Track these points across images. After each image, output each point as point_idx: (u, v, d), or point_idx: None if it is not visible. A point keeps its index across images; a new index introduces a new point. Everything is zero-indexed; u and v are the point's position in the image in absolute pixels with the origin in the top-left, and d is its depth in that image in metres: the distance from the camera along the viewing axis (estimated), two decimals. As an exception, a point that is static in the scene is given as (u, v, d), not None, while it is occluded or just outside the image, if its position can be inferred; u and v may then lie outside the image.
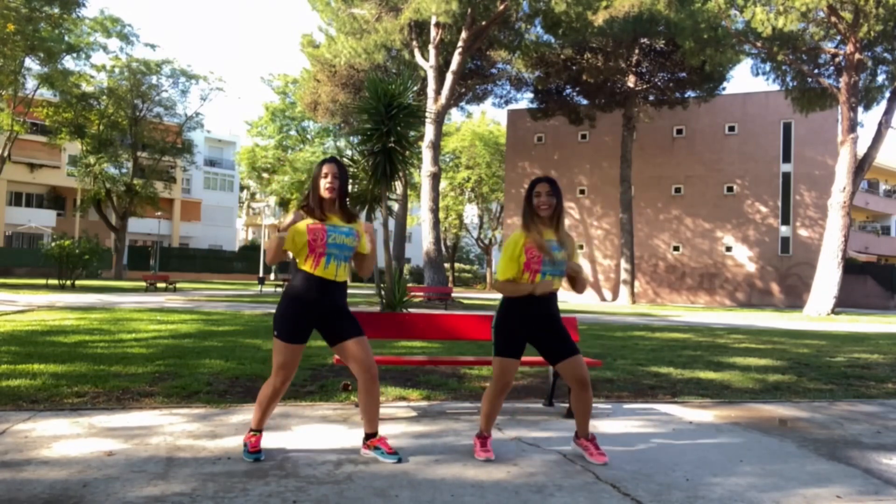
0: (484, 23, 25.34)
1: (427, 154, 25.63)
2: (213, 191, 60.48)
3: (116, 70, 39.87)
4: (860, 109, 24.08)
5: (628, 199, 29.76)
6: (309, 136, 53.92)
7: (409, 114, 14.75)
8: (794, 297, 31.23)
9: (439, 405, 4.91)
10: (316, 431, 3.94)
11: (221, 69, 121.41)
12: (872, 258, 41.57)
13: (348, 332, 3.37)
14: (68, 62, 34.42)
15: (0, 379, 5.21)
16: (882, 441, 4.14)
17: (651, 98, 31.22)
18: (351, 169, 16.47)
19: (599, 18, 23.58)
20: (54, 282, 26.11)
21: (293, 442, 3.67)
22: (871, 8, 20.42)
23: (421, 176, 28.66)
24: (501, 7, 24.60)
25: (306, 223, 3.31)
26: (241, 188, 65.87)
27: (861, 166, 23.62)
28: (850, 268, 30.50)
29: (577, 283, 3.57)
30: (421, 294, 23.07)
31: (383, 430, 3.65)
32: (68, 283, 25.56)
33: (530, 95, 34.48)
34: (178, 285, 29.25)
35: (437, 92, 25.98)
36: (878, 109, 37.41)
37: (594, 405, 4.40)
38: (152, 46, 45.99)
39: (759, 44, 23.36)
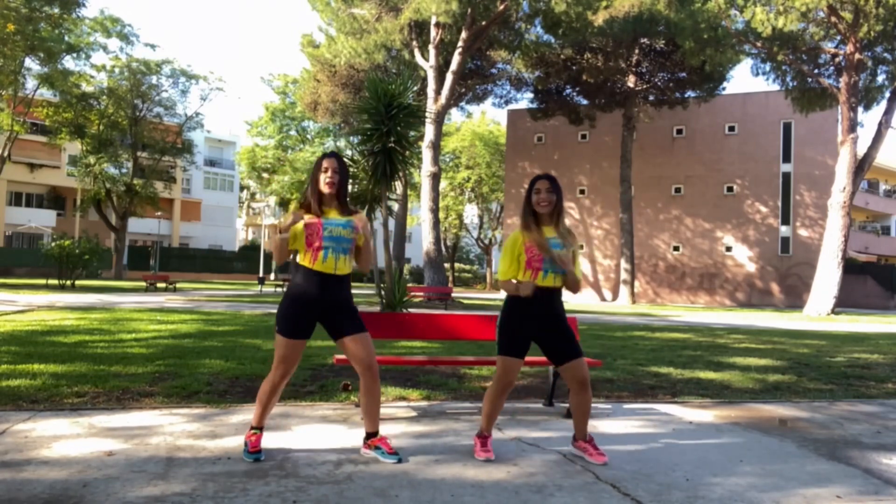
0: (484, 23, 25.34)
1: (427, 154, 25.63)
2: (213, 191, 60.44)
3: (116, 70, 39.86)
4: (860, 109, 24.09)
5: (628, 199, 29.75)
6: (309, 136, 53.97)
7: (409, 114, 14.75)
8: (794, 297, 31.22)
9: (439, 405, 4.91)
10: (316, 431, 3.94)
11: (221, 69, 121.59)
12: (872, 258, 41.56)
13: (349, 328, 3.37)
14: (68, 62, 34.49)
15: (0, 379, 5.21)
16: (882, 441, 4.14)
17: (651, 98, 31.20)
18: (351, 169, 16.47)
19: (599, 18, 23.57)
20: (54, 282, 26.10)
21: (293, 442, 3.67)
22: (871, 8, 20.42)
23: (421, 176, 28.65)
24: (501, 7, 24.59)
25: (304, 221, 3.32)
26: (241, 188, 65.85)
27: (861, 166, 23.62)
28: (850, 268, 30.50)
29: (568, 281, 3.46)
30: (421, 294, 23.07)
31: (384, 429, 3.65)
32: (68, 283, 25.55)
33: (530, 95, 34.50)
34: (178, 285, 29.23)
35: (437, 92, 25.98)
36: (878, 109, 37.46)
37: (594, 405, 4.40)
38: (152, 46, 46.06)
39: (759, 44, 23.36)
